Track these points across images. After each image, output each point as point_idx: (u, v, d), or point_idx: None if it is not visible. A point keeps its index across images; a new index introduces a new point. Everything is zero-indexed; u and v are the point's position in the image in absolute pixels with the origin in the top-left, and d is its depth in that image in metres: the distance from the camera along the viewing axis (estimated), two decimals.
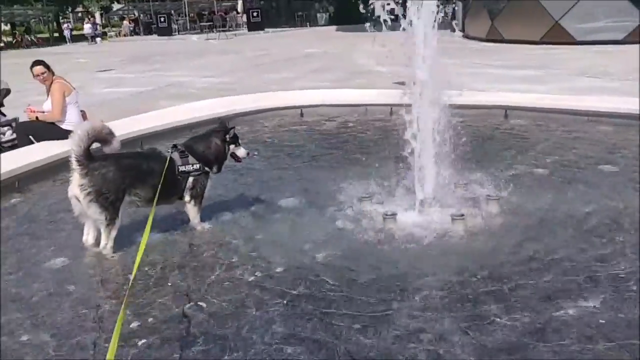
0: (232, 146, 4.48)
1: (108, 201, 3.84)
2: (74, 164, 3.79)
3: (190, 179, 4.25)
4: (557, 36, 19.37)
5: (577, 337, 2.83)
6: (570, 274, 3.49)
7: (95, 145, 3.93)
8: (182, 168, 4.20)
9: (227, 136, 4.44)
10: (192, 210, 4.35)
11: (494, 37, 21.78)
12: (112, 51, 29.03)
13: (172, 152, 4.21)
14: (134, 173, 4.00)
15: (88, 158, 3.81)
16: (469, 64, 14.88)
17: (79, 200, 3.84)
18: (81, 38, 40.68)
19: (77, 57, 25.15)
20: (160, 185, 3.75)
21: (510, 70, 13.94)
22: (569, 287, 3.34)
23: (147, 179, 4.01)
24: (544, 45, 18.86)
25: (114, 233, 3.94)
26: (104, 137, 3.94)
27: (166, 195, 3.99)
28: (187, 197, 4.29)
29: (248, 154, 4.64)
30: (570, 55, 16.34)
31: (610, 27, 18.67)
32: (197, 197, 4.32)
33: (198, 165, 4.26)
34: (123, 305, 1.96)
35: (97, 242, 4.01)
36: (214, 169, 4.40)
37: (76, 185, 3.81)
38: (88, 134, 3.79)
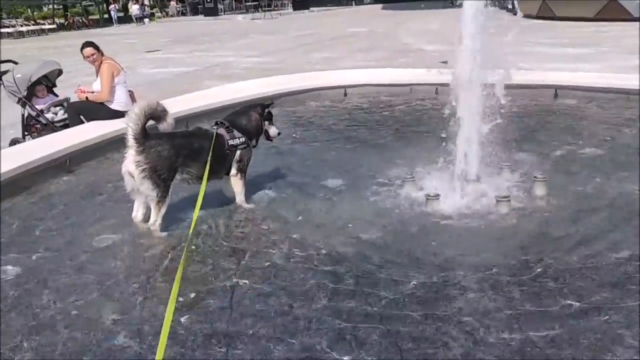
0: (266, 123, 4.58)
1: (161, 178, 3.94)
2: (131, 141, 3.88)
3: (238, 153, 4.35)
4: (613, 12, 18.68)
5: None
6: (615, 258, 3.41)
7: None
8: (230, 142, 4.30)
9: (265, 110, 4.56)
10: (238, 184, 4.44)
11: (545, 14, 21.15)
12: (159, 32, 29.45)
13: (217, 128, 4.29)
14: (187, 152, 4.10)
15: (144, 136, 3.90)
16: (519, 41, 14.47)
17: (132, 177, 3.93)
18: (128, 19, 41.31)
19: (125, 38, 25.60)
20: (210, 161, 3.89)
21: (561, 49, 13.55)
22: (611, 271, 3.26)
23: (199, 156, 4.10)
24: (597, 22, 18.21)
25: (163, 210, 4.03)
26: (159, 114, 4.01)
27: (217, 170, 4.14)
28: (234, 171, 4.38)
29: (279, 133, 4.73)
30: (623, 33, 15.73)
31: None
32: (244, 170, 4.42)
33: (244, 139, 4.36)
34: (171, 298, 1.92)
35: (146, 219, 4.11)
36: (253, 142, 4.49)
37: (132, 162, 3.91)
38: (144, 112, 3.87)
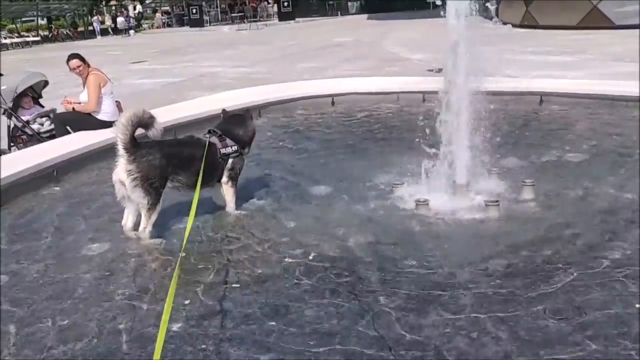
0: None
1: (152, 186, 3.96)
2: (121, 151, 3.90)
3: (230, 161, 4.37)
4: (595, 20, 18.89)
5: None
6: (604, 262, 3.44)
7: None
8: (223, 151, 4.32)
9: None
10: (229, 192, 4.44)
11: (528, 23, 21.36)
12: (145, 43, 29.39)
13: (210, 137, 4.31)
14: (177, 160, 4.11)
15: (134, 145, 3.92)
16: (503, 50, 14.63)
17: (123, 185, 3.94)
18: (108, 32, 41.18)
19: (111, 50, 25.52)
20: (203, 170, 3.98)
21: (545, 56, 13.68)
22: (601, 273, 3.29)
23: (189, 165, 4.13)
24: (580, 31, 18.43)
25: (154, 218, 4.04)
26: (146, 122, 4.02)
27: (209, 178, 4.19)
28: (225, 179, 4.39)
29: None
30: (606, 40, 15.94)
31: None
32: (235, 178, 4.43)
33: (236, 147, 4.38)
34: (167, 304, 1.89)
35: (136, 227, 4.11)
36: (246, 150, 4.53)
37: (123, 171, 3.92)
38: (131, 121, 3.88)
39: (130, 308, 3.21)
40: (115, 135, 3.90)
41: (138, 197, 3.96)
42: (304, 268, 3.54)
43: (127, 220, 4.15)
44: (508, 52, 14.16)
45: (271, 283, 3.39)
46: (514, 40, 17.21)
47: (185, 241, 2.83)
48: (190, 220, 3.15)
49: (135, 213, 4.11)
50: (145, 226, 4.03)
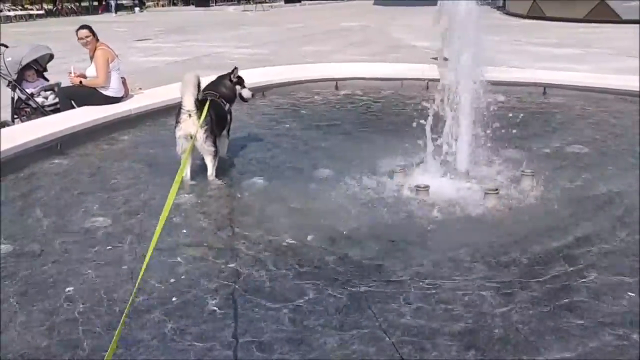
0: (238, 87, 5.23)
1: (215, 137, 4.69)
2: (192, 107, 4.50)
3: (228, 116, 5.14)
4: (602, 14, 18.84)
5: None
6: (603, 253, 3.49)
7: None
8: (227, 107, 5.07)
9: (232, 76, 5.20)
10: (225, 143, 5.24)
11: (535, 14, 21.27)
12: (150, 21, 29.25)
13: (216, 98, 4.93)
14: (219, 115, 4.83)
15: (200, 103, 4.55)
16: (509, 40, 14.61)
17: (192, 138, 4.47)
18: (123, 8, 40.76)
19: (116, 26, 25.41)
20: (219, 122, 4.84)
21: (550, 48, 13.66)
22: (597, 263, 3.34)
23: (220, 119, 4.90)
24: (587, 24, 18.36)
25: (216, 163, 4.73)
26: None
27: (221, 130, 5.01)
28: (225, 132, 5.15)
29: (253, 95, 5.53)
30: (613, 35, 15.90)
31: None
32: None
33: (229, 105, 5.13)
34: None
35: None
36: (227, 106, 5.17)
37: (194, 125, 4.50)
38: (198, 82, 4.54)
39: (129, 280, 3.25)
40: (185, 94, 4.48)
41: (208, 146, 4.63)
42: (302, 250, 3.58)
43: (188, 175, 4.66)
44: (514, 43, 14.12)
45: (269, 264, 3.43)
46: (520, 31, 17.15)
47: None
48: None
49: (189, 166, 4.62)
50: (212, 172, 4.71)
